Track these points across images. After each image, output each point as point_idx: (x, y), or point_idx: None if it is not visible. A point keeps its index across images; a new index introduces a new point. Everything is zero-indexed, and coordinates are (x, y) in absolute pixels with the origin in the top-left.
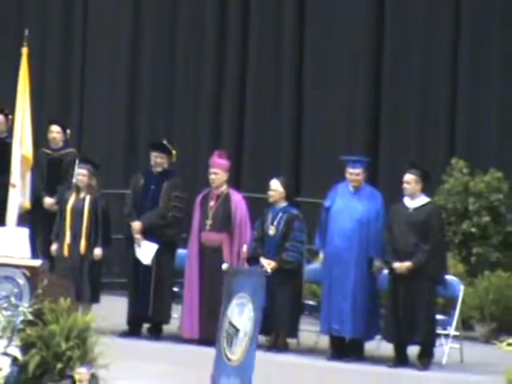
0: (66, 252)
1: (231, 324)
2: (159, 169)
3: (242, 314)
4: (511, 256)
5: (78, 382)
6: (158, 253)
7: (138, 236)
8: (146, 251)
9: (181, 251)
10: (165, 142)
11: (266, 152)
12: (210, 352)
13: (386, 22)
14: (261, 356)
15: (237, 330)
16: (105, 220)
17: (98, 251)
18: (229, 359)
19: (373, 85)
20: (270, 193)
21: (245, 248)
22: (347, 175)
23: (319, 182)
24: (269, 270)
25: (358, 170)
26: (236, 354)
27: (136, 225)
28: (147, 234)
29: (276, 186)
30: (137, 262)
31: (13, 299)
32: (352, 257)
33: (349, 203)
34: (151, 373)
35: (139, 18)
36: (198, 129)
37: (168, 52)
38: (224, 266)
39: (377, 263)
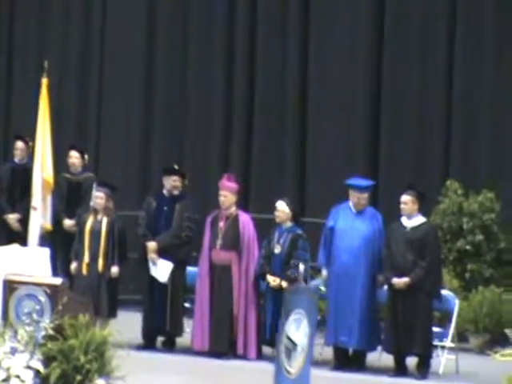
0: (84, 271)
1: (289, 338)
2: (176, 192)
3: (298, 329)
4: (503, 272)
5: None
6: (172, 271)
7: (153, 255)
8: (162, 270)
9: (191, 269)
10: (176, 167)
11: (272, 176)
12: (219, 363)
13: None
14: (268, 367)
15: (295, 345)
16: (121, 240)
17: (114, 269)
18: (288, 372)
19: (370, 118)
20: (277, 213)
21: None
22: (354, 199)
23: (322, 203)
24: (284, 284)
25: (366, 195)
26: (294, 367)
27: (152, 245)
28: (162, 253)
29: (282, 208)
30: (152, 279)
31: (34, 315)
32: (359, 273)
33: (353, 223)
34: (165, 383)
35: (152, 51)
36: (208, 154)
37: (179, 73)
38: (284, 284)
39: (380, 278)
